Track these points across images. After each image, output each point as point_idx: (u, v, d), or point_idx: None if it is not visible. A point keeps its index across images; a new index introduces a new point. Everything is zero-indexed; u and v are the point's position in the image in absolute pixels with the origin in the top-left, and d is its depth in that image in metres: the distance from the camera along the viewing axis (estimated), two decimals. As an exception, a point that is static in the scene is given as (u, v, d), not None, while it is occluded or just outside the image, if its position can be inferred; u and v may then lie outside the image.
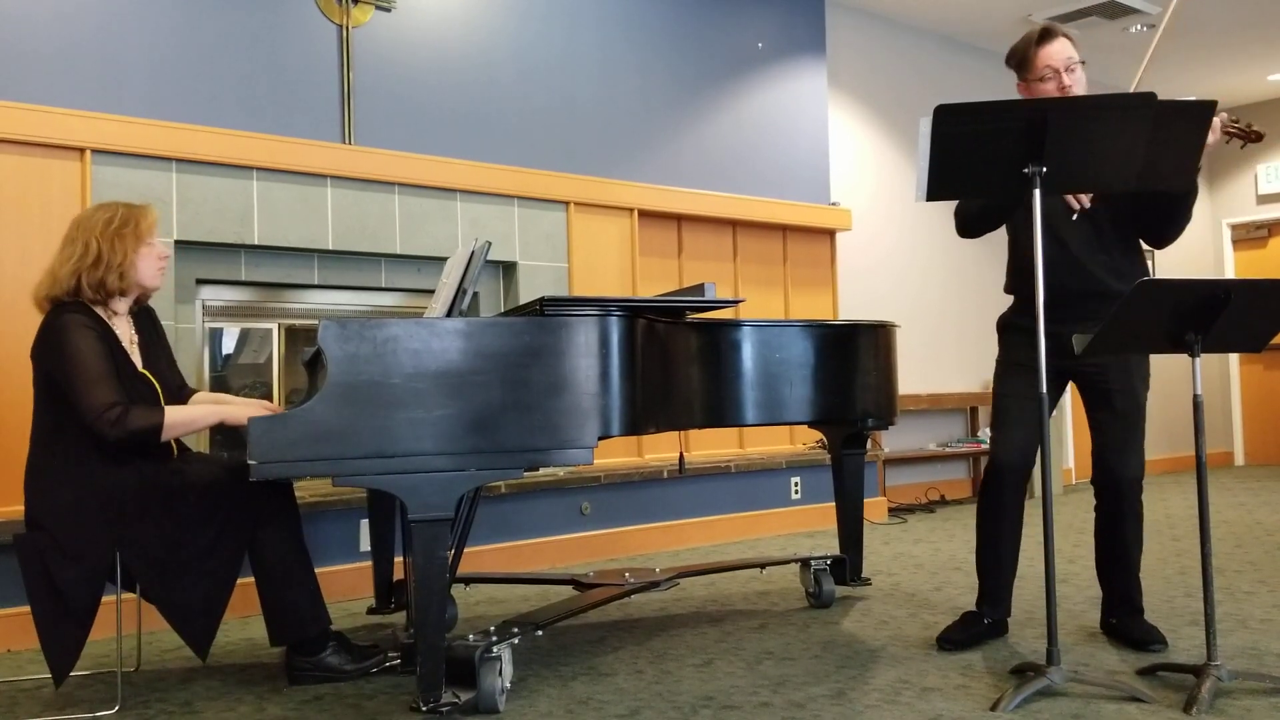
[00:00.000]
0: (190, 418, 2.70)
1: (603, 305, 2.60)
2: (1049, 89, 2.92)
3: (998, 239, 3.21)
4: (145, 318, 2.90)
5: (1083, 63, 2.95)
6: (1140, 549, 3.06)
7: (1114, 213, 2.98)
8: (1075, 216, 2.89)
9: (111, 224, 2.72)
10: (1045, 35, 2.94)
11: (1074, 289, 2.94)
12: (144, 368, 2.78)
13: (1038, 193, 2.53)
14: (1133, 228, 3.02)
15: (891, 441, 6.56)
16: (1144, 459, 3.04)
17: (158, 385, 2.78)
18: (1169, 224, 2.96)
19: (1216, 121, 2.71)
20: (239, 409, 2.77)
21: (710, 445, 5.56)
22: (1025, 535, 3.09)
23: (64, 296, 2.68)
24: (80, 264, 2.67)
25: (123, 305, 2.79)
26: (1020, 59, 2.99)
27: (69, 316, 2.64)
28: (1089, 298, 2.94)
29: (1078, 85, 2.94)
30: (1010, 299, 3.21)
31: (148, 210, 2.82)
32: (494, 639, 2.58)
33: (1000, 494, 3.05)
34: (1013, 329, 3.12)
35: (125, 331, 2.79)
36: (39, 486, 2.66)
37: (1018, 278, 3.13)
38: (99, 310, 2.72)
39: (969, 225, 3.11)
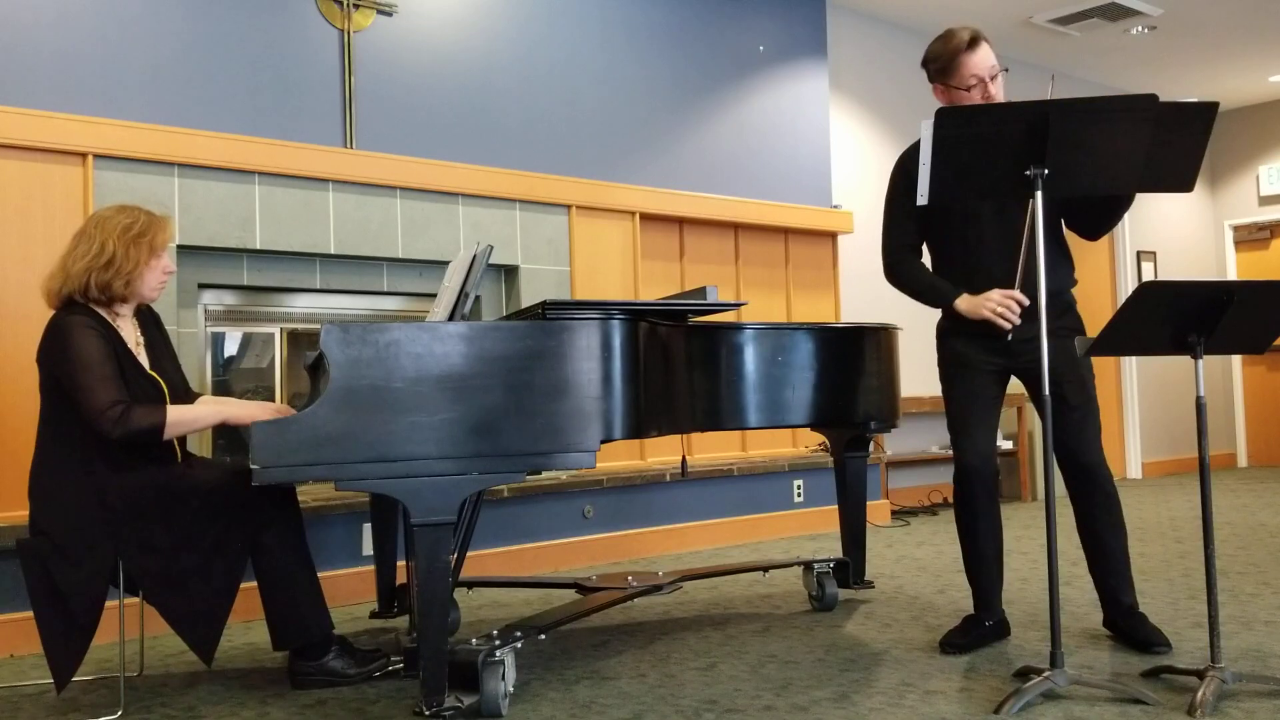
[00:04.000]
0: (193, 416, 2.71)
1: (604, 309, 2.60)
2: (973, 98, 2.93)
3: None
4: (149, 319, 2.91)
5: (1005, 70, 2.97)
6: (1121, 537, 3.01)
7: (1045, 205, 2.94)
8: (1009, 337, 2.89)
9: (130, 230, 2.72)
10: (973, 43, 2.94)
11: (1005, 285, 2.91)
12: (151, 369, 2.79)
13: (1040, 195, 2.54)
14: (1060, 221, 3.01)
15: (894, 444, 6.55)
16: (1102, 445, 3.02)
17: (164, 386, 2.79)
18: (1108, 218, 2.96)
19: None
20: (242, 409, 2.77)
21: (712, 448, 5.56)
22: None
23: (74, 294, 2.69)
24: (93, 263, 2.67)
25: (126, 309, 2.80)
26: (943, 65, 2.98)
27: (73, 318, 2.65)
28: (1031, 296, 2.90)
29: (999, 94, 2.95)
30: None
31: (166, 223, 2.81)
32: (497, 643, 2.57)
33: (974, 499, 3.05)
34: (954, 333, 3.10)
35: (130, 334, 2.79)
36: (43, 489, 2.66)
37: (947, 279, 3.07)
38: (103, 312, 2.73)
39: (899, 286, 3.14)
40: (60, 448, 2.66)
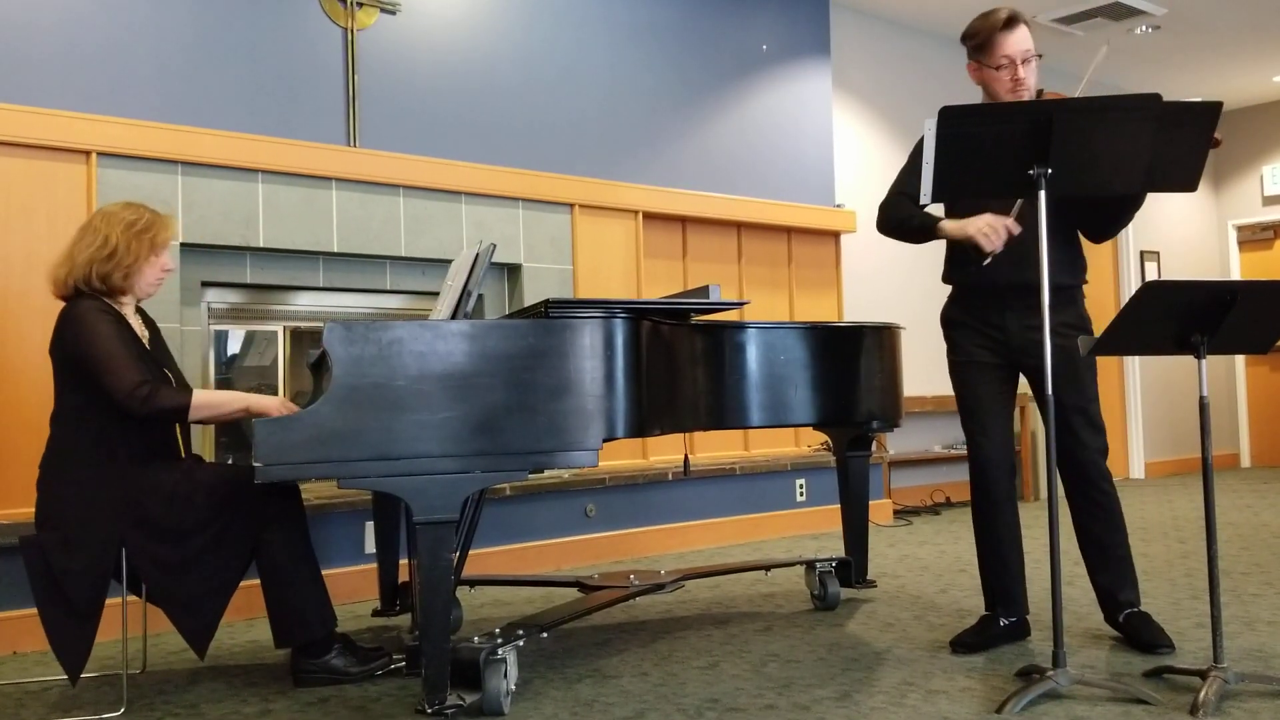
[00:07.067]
0: (217, 401, 2.74)
1: (607, 307, 2.61)
2: (1003, 78, 2.90)
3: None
4: (148, 322, 2.94)
5: (1040, 56, 2.93)
6: (1120, 536, 2.98)
7: (1055, 205, 2.90)
8: (986, 262, 2.86)
9: (134, 225, 2.77)
10: (1010, 23, 2.88)
11: (1019, 281, 2.89)
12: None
13: (1043, 194, 2.53)
14: (1070, 220, 2.98)
15: (896, 443, 6.55)
16: (1105, 440, 2.99)
17: (172, 379, 2.82)
18: (1116, 222, 2.95)
19: None
20: (262, 401, 2.77)
21: (715, 447, 5.56)
22: (1030, 537, 3.08)
23: (79, 284, 2.73)
24: (96, 254, 2.72)
25: (127, 301, 2.84)
26: (979, 42, 2.93)
27: (88, 303, 2.70)
28: (1034, 290, 2.88)
29: (1031, 78, 2.91)
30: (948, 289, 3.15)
31: (169, 222, 2.87)
32: (499, 641, 2.58)
33: (992, 493, 3.02)
34: (960, 325, 3.08)
35: (137, 327, 2.84)
36: (52, 478, 2.69)
37: (958, 268, 3.06)
38: (110, 303, 2.76)
39: (889, 230, 3.11)
40: (73, 437, 2.69)
